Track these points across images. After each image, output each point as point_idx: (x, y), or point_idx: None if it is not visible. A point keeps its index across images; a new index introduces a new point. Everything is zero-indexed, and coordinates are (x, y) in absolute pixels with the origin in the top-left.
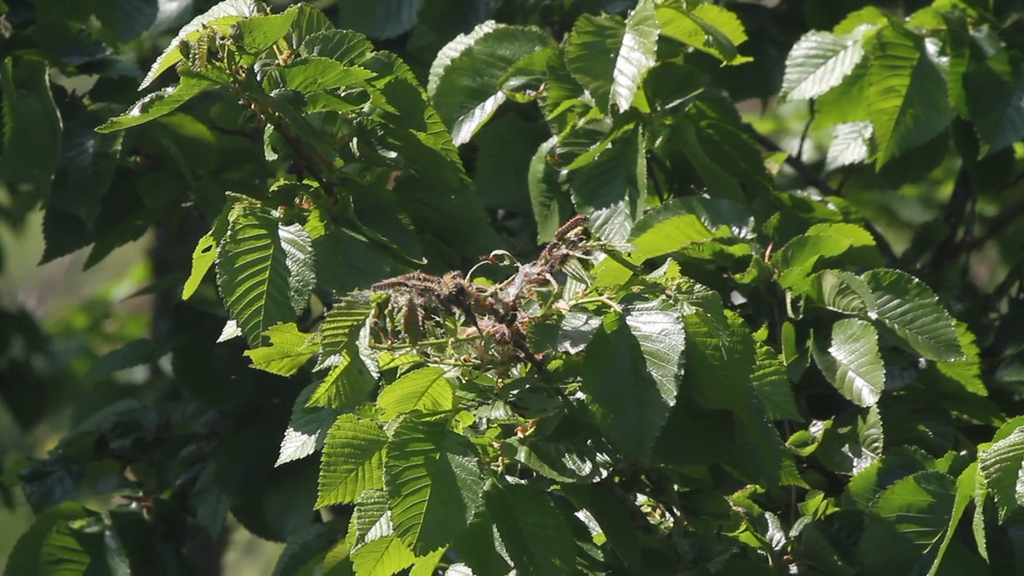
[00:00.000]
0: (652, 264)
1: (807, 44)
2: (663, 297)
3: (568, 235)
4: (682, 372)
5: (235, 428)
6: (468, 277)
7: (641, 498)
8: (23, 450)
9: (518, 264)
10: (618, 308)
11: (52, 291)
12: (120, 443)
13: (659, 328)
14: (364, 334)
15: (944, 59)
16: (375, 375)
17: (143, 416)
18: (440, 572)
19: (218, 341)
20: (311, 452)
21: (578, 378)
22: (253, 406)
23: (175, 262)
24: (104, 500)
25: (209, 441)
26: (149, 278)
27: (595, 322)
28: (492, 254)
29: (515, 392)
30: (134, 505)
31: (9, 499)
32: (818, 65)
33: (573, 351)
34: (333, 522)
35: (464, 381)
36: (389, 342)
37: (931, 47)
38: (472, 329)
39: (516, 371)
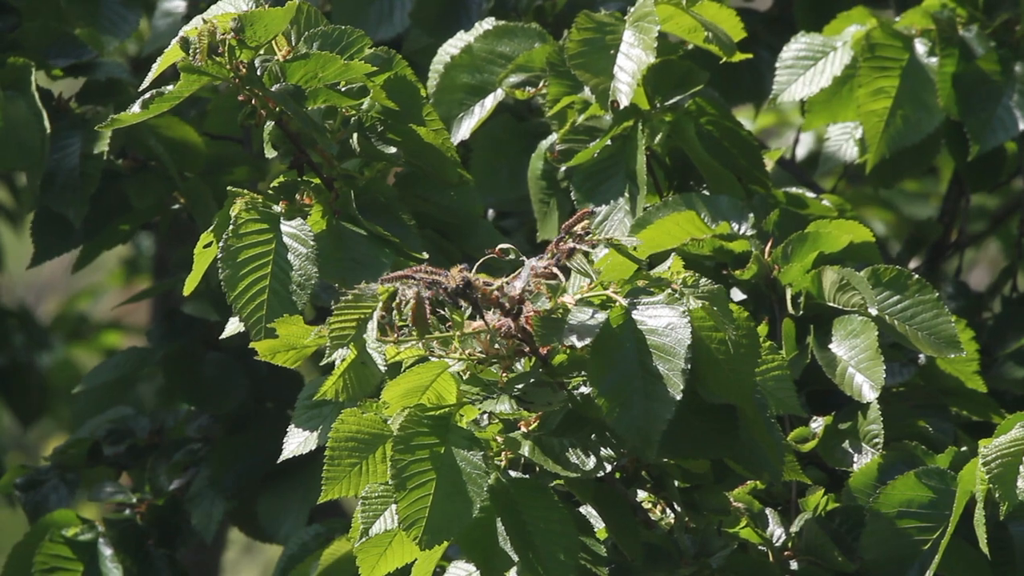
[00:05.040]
0: (652, 261)
1: (796, 46)
2: (669, 291)
3: (575, 229)
4: (688, 366)
5: (228, 433)
6: (473, 272)
7: (641, 494)
8: (23, 449)
9: (523, 258)
10: (624, 302)
11: (52, 291)
12: (114, 450)
13: (665, 322)
14: (372, 327)
15: (934, 59)
16: (382, 368)
17: (136, 422)
18: (440, 571)
19: (220, 337)
20: (313, 448)
21: (582, 373)
22: (246, 410)
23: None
24: (100, 507)
25: (203, 446)
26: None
27: (601, 316)
28: (497, 248)
29: (520, 386)
30: (128, 511)
31: (11, 498)
32: (808, 67)
33: (580, 345)
34: (331, 522)
35: (468, 376)
36: (395, 335)
37: (920, 47)
38: (478, 323)
39: (520, 366)
